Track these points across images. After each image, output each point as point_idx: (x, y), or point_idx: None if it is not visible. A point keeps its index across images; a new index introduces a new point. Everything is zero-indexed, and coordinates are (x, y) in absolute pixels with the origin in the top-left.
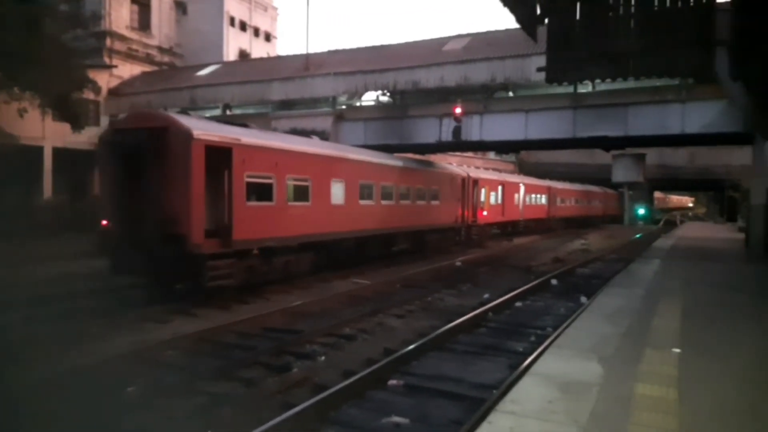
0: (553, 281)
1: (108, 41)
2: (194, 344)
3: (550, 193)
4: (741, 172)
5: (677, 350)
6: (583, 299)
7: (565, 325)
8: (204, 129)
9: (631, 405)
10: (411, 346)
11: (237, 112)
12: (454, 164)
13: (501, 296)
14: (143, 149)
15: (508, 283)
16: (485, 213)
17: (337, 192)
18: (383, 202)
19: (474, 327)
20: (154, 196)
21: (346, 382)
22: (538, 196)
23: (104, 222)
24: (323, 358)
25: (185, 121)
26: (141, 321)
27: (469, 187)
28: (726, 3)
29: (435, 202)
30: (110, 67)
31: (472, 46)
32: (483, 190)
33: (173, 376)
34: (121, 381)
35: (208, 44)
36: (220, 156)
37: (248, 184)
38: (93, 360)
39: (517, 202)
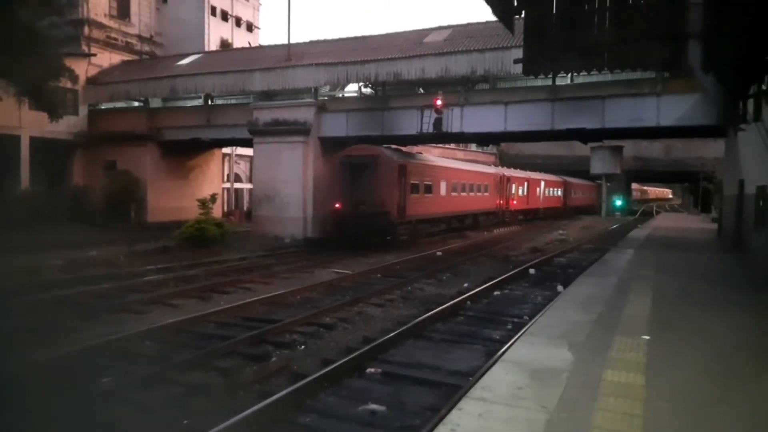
0: (531, 270)
1: (86, 29)
2: (172, 335)
3: (566, 186)
4: (715, 165)
5: (646, 337)
6: (560, 288)
7: (540, 314)
8: (397, 157)
9: (598, 390)
10: (389, 335)
11: (219, 102)
12: (436, 156)
13: (480, 285)
14: (364, 166)
15: (488, 272)
16: (515, 202)
17: (443, 188)
18: (462, 194)
19: (452, 316)
20: (372, 192)
21: (324, 370)
22: (556, 189)
23: (337, 205)
24: (302, 347)
25: (389, 152)
26: (118, 312)
27: (504, 183)
28: None
29: (485, 194)
30: (88, 55)
31: (453, 38)
32: (513, 185)
33: (149, 366)
34: (94, 372)
35: (189, 34)
36: (401, 170)
37: (411, 184)
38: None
39: (538, 194)
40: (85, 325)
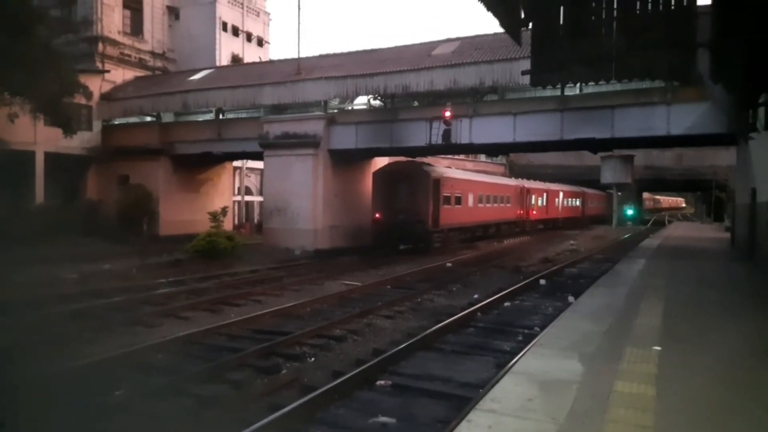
0: (542, 281)
1: (100, 46)
2: (183, 347)
3: (584, 197)
4: (727, 173)
5: (657, 348)
6: (571, 299)
7: (551, 325)
8: (432, 171)
9: (609, 402)
10: (399, 347)
11: (230, 116)
12: (444, 167)
13: (490, 296)
14: (402, 180)
15: (498, 283)
16: (534, 212)
17: (471, 200)
18: (486, 205)
19: (462, 327)
20: (409, 203)
21: (334, 382)
22: (574, 199)
23: (377, 215)
24: (312, 359)
25: (425, 167)
26: (132, 324)
27: (524, 194)
28: (707, 6)
29: (507, 205)
30: (102, 71)
31: (461, 50)
32: (533, 196)
33: (161, 378)
34: (108, 384)
35: (200, 49)
36: (435, 184)
37: (444, 196)
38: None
39: (557, 204)
40: (100, 338)
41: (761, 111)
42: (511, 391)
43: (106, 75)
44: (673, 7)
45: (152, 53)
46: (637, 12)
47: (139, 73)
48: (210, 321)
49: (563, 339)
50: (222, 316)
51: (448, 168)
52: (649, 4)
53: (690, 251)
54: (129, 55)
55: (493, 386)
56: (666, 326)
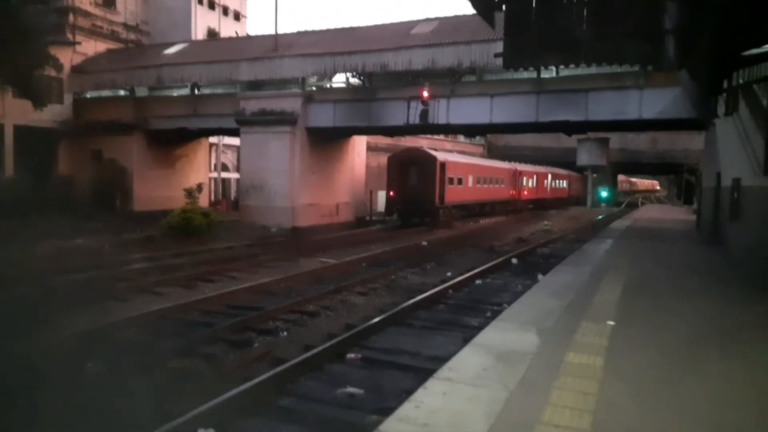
0: (514, 260)
1: (71, 17)
2: (156, 322)
3: (570, 179)
4: (698, 157)
5: (611, 323)
6: (540, 277)
7: (517, 301)
8: (438, 155)
9: (559, 372)
10: (371, 322)
11: (205, 91)
12: (424, 147)
13: (462, 274)
14: (413, 163)
15: (471, 261)
16: (525, 192)
17: (470, 181)
18: (484, 186)
19: (434, 303)
20: (419, 183)
21: (305, 355)
22: (561, 181)
23: (392, 193)
24: (285, 333)
25: (432, 152)
26: (104, 300)
27: (516, 176)
28: None
29: (502, 186)
30: (73, 43)
31: (440, 30)
32: (524, 178)
33: (133, 352)
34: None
35: (175, 22)
36: (441, 167)
37: (449, 178)
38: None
39: (546, 186)
40: (71, 313)
41: (723, 97)
42: (468, 361)
43: (78, 47)
44: None
45: (125, 25)
46: None
47: (112, 45)
48: (184, 297)
49: (525, 314)
50: (196, 291)
51: (450, 153)
52: None
53: (656, 233)
54: (101, 27)
55: (451, 357)
56: (623, 303)
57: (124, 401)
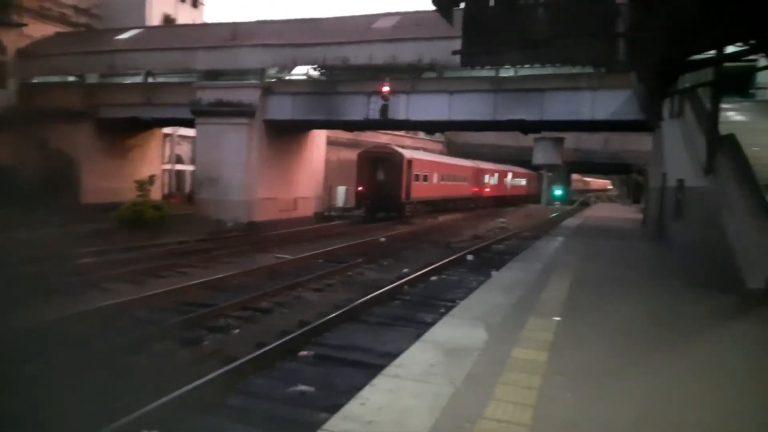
0: (469, 257)
1: None
2: (102, 318)
3: (529, 177)
4: (647, 158)
5: (557, 318)
6: (494, 273)
7: (467, 297)
8: (406, 153)
9: (504, 367)
10: (324, 318)
11: (160, 80)
12: (391, 144)
13: (418, 271)
14: (382, 160)
15: (428, 258)
16: (487, 190)
17: (435, 178)
18: (448, 183)
19: (389, 300)
20: (387, 179)
21: (255, 353)
22: (521, 179)
23: (360, 188)
24: (237, 330)
25: (400, 150)
26: (47, 296)
27: (479, 174)
28: None
29: (465, 183)
30: (19, 25)
31: (401, 25)
32: (486, 176)
33: (75, 351)
34: (21, 357)
35: (129, 7)
36: (408, 164)
37: (415, 175)
38: None
39: (506, 183)
40: (11, 310)
41: (667, 101)
42: (416, 357)
43: (24, 29)
44: None
45: (75, 8)
46: None
47: (61, 29)
48: (132, 292)
49: (475, 310)
50: (145, 287)
51: (416, 150)
52: None
53: (605, 231)
54: (49, 9)
55: (400, 353)
56: (569, 299)
57: (65, 402)
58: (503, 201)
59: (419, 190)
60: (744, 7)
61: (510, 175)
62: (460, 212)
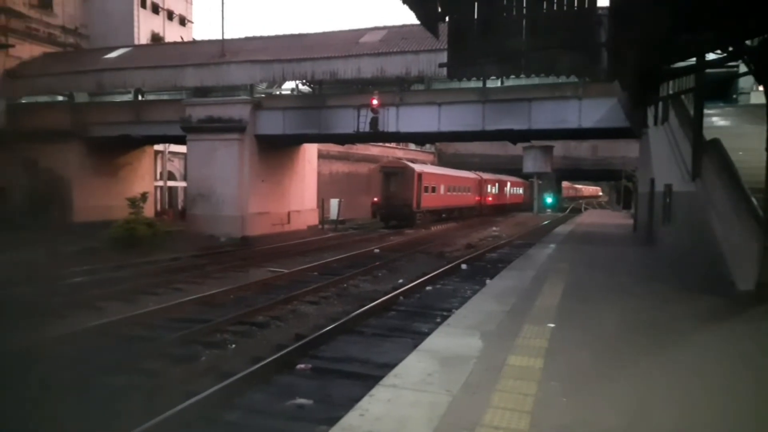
0: (463, 266)
1: (3, 18)
2: (95, 338)
3: (525, 186)
4: (635, 164)
5: (551, 325)
6: (488, 281)
7: (462, 306)
8: (416, 167)
9: (500, 374)
10: (321, 331)
11: (150, 97)
12: (402, 158)
13: (413, 281)
14: (395, 174)
15: (422, 268)
16: (490, 198)
17: (443, 189)
18: (454, 193)
19: (385, 311)
20: (399, 191)
21: (252, 368)
22: (518, 188)
23: (375, 199)
24: (233, 346)
25: (411, 164)
26: (39, 315)
27: (482, 184)
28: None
29: (469, 193)
30: (6, 46)
31: (389, 38)
32: (488, 186)
33: (71, 370)
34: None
35: (117, 26)
36: (419, 177)
37: (424, 186)
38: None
39: (506, 192)
40: (4, 330)
41: (653, 107)
42: (413, 367)
43: (11, 50)
44: (576, 8)
45: (63, 28)
46: (544, 11)
47: (49, 49)
48: (125, 310)
49: (470, 318)
50: (139, 305)
51: (425, 164)
52: (555, 5)
53: (597, 237)
54: (37, 30)
55: (397, 363)
56: (563, 305)
57: (62, 421)
58: (503, 209)
59: (428, 200)
60: (717, 15)
61: (509, 185)
62: (459, 221)
